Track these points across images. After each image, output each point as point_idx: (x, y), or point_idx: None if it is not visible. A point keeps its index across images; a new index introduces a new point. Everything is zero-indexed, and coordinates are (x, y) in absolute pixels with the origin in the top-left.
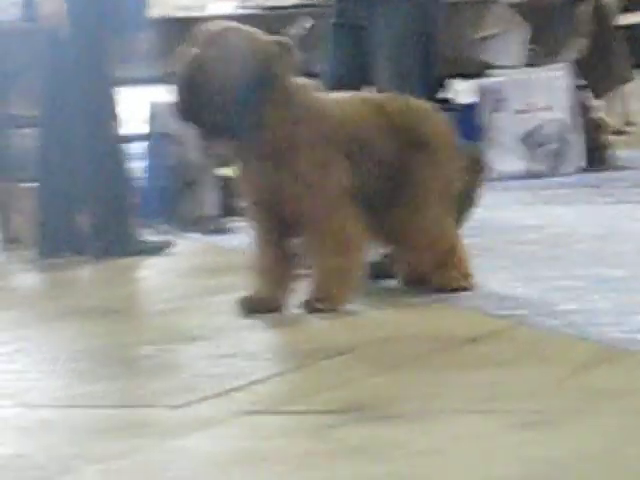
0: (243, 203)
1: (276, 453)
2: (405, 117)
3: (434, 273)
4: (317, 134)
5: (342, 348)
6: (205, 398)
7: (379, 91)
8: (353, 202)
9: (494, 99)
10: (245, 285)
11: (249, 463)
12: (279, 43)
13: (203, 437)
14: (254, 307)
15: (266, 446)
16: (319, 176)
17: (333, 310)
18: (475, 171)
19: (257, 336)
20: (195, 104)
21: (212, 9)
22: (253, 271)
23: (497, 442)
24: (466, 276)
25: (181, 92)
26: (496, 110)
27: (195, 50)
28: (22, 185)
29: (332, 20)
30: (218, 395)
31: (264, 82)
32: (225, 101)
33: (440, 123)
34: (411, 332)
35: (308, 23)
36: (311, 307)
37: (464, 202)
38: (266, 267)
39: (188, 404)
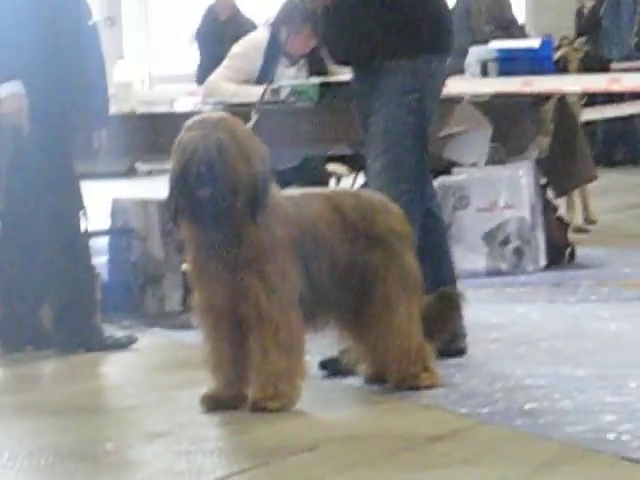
0: (195, 300)
1: None
2: (359, 212)
3: (399, 370)
4: (281, 239)
5: (305, 446)
6: None
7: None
8: (304, 302)
9: (457, 197)
10: (207, 381)
11: None
12: (263, 146)
13: None
14: (214, 404)
15: None
16: (281, 281)
17: (283, 409)
18: (451, 308)
19: (219, 433)
20: (213, 186)
21: (179, 105)
22: (208, 368)
23: None
24: (431, 372)
25: (198, 172)
26: (458, 208)
27: (210, 134)
28: None
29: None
30: None
31: (267, 177)
32: (234, 187)
33: (396, 215)
34: (374, 430)
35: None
36: (259, 406)
37: (439, 331)
38: (220, 364)
39: None
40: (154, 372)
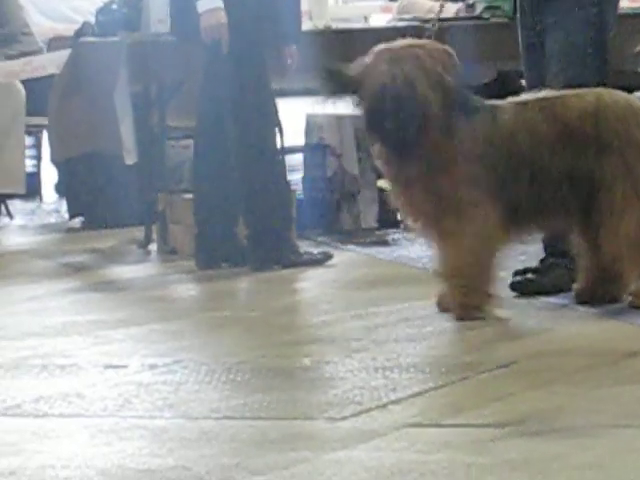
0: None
1: (438, 466)
2: (589, 119)
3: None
4: (467, 152)
5: (501, 361)
6: (364, 411)
7: None
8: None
9: None
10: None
11: (412, 476)
12: (448, 52)
13: (364, 450)
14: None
15: (428, 459)
16: (464, 194)
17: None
18: None
19: (415, 348)
20: (401, 121)
21: (373, 21)
22: None
23: None
24: None
25: (381, 104)
26: None
27: (396, 66)
28: (180, 196)
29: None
30: (377, 408)
31: (446, 99)
32: (421, 119)
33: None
34: (570, 346)
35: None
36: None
37: None
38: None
39: (347, 417)
40: (349, 288)
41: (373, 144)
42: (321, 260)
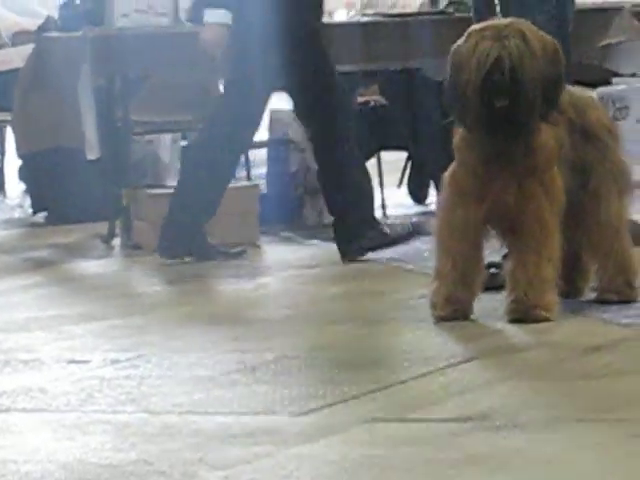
0: (448, 202)
1: (400, 461)
2: (573, 107)
3: (602, 278)
4: (554, 146)
5: (465, 355)
6: (327, 405)
7: None
8: None
9: (616, 107)
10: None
11: (374, 471)
12: (554, 43)
13: (326, 444)
14: (450, 310)
15: (390, 454)
16: (557, 190)
17: (551, 320)
18: None
19: (378, 344)
20: (513, 97)
21: (338, 16)
22: (441, 280)
23: (619, 452)
24: (632, 288)
25: (494, 79)
26: (618, 119)
27: (504, 40)
28: (143, 191)
29: None
30: (340, 402)
31: (558, 84)
32: (534, 97)
33: (604, 112)
34: (534, 340)
35: None
36: (531, 314)
37: None
38: (454, 276)
39: (310, 411)
40: (312, 283)
41: (468, 127)
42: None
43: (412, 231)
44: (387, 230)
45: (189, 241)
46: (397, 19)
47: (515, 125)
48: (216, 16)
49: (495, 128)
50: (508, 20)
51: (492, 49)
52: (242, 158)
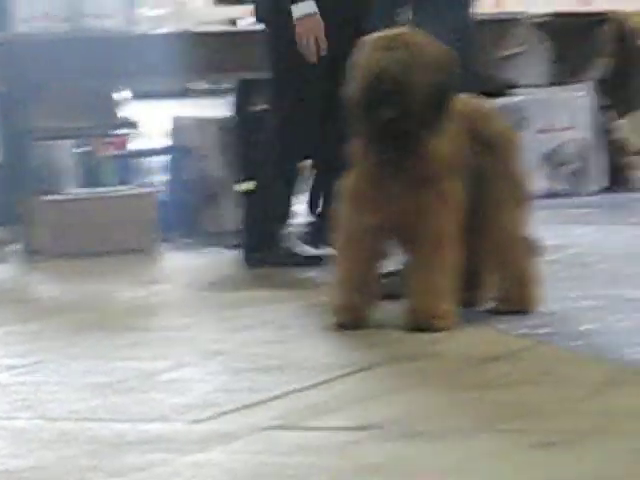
0: (349, 219)
1: (298, 470)
2: (472, 117)
3: (500, 287)
4: (452, 155)
5: (364, 364)
6: (224, 413)
7: None
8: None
9: (516, 118)
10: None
11: (271, 479)
12: (449, 52)
13: (223, 452)
14: (348, 319)
15: (287, 462)
16: (456, 199)
17: (446, 329)
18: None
19: (276, 351)
20: (399, 107)
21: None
22: (338, 287)
23: (516, 461)
24: (528, 297)
25: (378, 90)
26: (518, 129)
27: (393, 51)
28: (42, 197)
29: None
30: (237, 410)
31: (447, 93)
32: (421, 106)
33: (503, 122)
34: (432, 350)
35: None
36: (423, 324)
37: None
38: (352, 284)
39: (206, 419)
40: (211, 290)
41: (361, 138)
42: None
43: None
44: (296, 250)
45: (274, 248)
46: None
47: (403, 135)
48: (302, 9)
49: (383, 138)
50: (400, 30)
51: (378, 60)
52: (142, 165)
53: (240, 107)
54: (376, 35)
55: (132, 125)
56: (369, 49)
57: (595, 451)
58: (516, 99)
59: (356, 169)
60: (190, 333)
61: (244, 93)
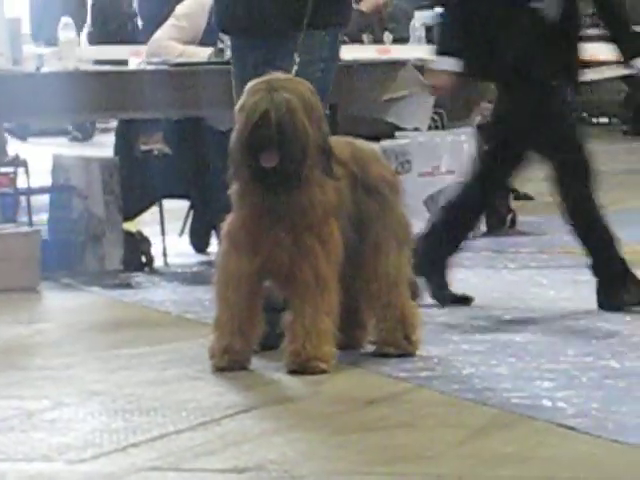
0: (229, 262)
1: None
2: (355, 161)
3: (379, 329)
4: (332, 201)
5: (243, 406)
6: (104, 454)
7: None
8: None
9: (399, 161)
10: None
11: None
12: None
13: None
14: (229, 362)
15: None
16: (335, 244)
17: (328, 371)
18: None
19: (156, 392)
20: (282, 151)
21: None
22: (220, 330)
23: None
24: (410, 342)
25: (260, 133)
26: (400, 172)
27: (275, 93)
28: None
29: None
30: (116, 451)
31: (325, 135)
32: (304, 150)
33: (387, 166)
34: (312, 392)
35: None
36: (308, 366)
37: None
38: (233, 326)
39: (87, 459)
40: (92, 330)
41: (240, 180)
42: None
43: None
44: None
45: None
46: (183, 68)
47: (284, 180)
48: (446, 63)
49: (264, 183)
50: (283, 75)
51: (260, 103)
52: (24, 203)
53: (121, 148)
54: (260, 79)
55: (21, 163)
56: (251, 93)
57: None
58: (400, 142)
59: (236, 212)
60: (71, 372)
61: (125, 133)
